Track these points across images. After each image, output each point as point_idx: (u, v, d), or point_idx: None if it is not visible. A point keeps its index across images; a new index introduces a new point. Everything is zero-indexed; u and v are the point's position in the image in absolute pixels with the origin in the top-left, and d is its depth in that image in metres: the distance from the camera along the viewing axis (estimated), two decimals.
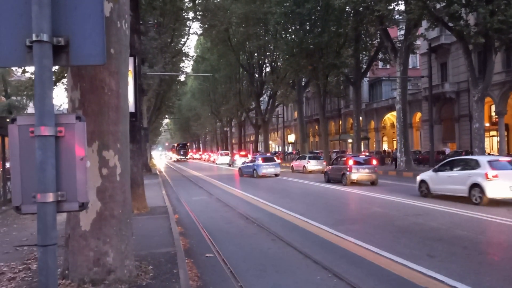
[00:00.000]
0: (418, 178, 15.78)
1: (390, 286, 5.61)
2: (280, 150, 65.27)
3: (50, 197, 2.36)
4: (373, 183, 20.40)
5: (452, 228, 9.19)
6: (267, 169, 27.35)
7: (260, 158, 28.33)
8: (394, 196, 15.24)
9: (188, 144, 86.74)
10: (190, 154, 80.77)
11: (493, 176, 12.28)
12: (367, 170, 20.32)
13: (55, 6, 2.39)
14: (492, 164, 12.75)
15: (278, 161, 30.32)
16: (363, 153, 32.48)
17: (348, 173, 20.26)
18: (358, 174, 20.19)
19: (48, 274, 2.35)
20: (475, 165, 13.15)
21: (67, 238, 5.15)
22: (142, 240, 7.65)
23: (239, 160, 44.05)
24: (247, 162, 30.23)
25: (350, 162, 20.52)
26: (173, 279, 5.34)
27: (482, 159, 13.34)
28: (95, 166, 4.97)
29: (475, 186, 12.63)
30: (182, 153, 72.59)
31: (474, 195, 12.68)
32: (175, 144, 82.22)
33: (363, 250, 7.44)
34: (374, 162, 21.23)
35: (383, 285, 5.64)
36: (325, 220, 10.58)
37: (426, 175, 15.39)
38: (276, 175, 27.70)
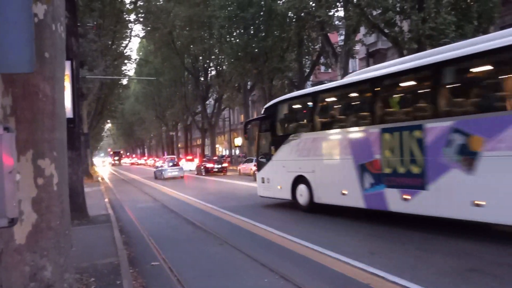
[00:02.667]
0: None
1: (334, 284, 5.79)
2: (227, 153, 65.22)
3: None
4: None
5: None
6: (172, 172, 32.63)
7: (167, 164, 34.90)
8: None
9: (121, 151, 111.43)
10: (129, 159, 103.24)
11: None
12: None
13: None
14: None
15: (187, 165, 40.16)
16: None
17: None
18: None
19: None
20: None
21: None
22: (83, 251, 7.34)
23: (186, 165, 43.86)
24: (159, 167, 35.59)
25: None
26: None
27: None
28: (30, 176, 4.70)
29: None
30: (116, 159, 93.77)
31: None
32: (112, 152, 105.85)
33: (308, 250, 7.62)
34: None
35: (328, 284, 5.81)
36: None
37: None
38: (182, 177, 32.87)
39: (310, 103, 12.48)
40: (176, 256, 7.68)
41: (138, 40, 55.77)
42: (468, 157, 7.59)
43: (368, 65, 32.54)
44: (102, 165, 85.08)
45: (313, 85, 51.86)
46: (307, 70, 36.74)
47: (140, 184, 28.91)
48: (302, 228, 9.93)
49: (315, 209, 11.74)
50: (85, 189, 12.64)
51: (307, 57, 36.25)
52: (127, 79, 46.21)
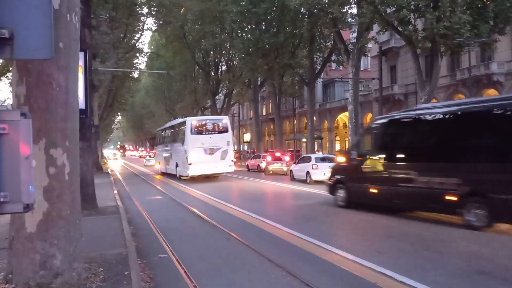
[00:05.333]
0: (290, 168, 24.40)
1: (342, 282, 5.77)
2: (235, 148, 65.11)
3: None
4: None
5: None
6: (151, 162, 46.03)
7: (148, 155, 56.19)
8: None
9: (125, 145, 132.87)
10: (137, 152, 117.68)
11: (316, 167, 19.94)
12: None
13: None
14: (316, 160, 20.53)
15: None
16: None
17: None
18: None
19: None
20: (309, 160, 20.91)
21: (10, 240, 4.90)
22: (92, 241, 7.40)
23: None
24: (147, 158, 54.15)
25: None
26: (125, 281, 5.21)
27: (312, 156, 21.41)
28: (42, 165, 4.74)
29: (308, 172, 20.27)
30: (121, 151, 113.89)
31: (307, 178, 20.24)
32: (118, 146, 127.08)
33: (315, 247, 7.60)
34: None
35: (335, 281, 5.79)
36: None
37: (292, 167, 23.60)
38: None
39: (162, 133, 31.10)
40: (184, 249, 7.71)
41: (150, 33, 55.77)
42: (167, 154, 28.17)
43: (380, 63, 32.33)
44: (113, 158, 79.98)
45: (323, 83, 51.98)
46: (318, 67, 36.54)
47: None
48: (310, 225, 9.92)
49: (164, 175, 28.02)
50: (94, 181, 12.75)
51: (318, 54, 36.03)
52: (138, 72, 46.30)
